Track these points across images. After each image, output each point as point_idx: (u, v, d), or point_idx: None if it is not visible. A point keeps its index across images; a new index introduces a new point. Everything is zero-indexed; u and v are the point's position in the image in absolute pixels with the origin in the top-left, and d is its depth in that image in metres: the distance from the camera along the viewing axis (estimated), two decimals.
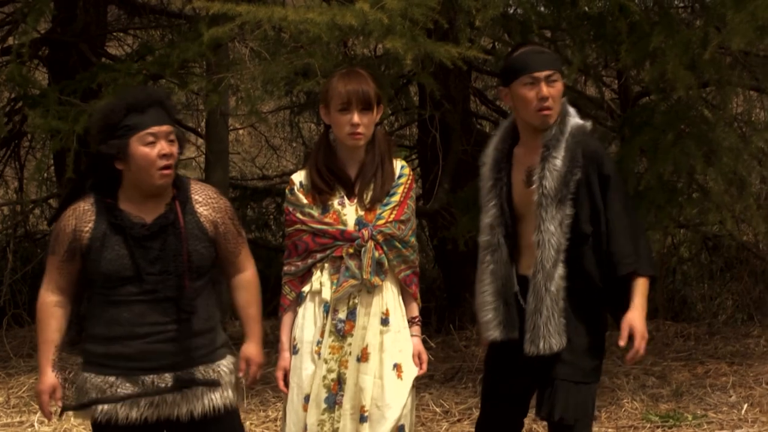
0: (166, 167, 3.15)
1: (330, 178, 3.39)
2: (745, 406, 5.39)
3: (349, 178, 3.40)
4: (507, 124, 3.53)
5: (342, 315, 3.36)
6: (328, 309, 3.37)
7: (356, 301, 3.36)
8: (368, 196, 3.38)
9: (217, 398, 3.24)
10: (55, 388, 3.23)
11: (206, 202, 3.29)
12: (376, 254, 3.35)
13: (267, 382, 5.39)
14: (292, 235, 3.43)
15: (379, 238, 3.35)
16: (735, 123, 6.34)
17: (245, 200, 8.70)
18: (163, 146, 3.14)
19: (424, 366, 3.44)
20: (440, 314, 7.28)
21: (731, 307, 7.65)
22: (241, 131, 10.62)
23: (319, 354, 3.36)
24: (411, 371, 3.39)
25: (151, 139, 3.13)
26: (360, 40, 5.48)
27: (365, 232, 3.34)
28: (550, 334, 3.33)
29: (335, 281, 3.36)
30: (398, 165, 3.46)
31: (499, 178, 3.46)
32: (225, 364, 3.30)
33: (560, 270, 3.34)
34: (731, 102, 6.49)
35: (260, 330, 3.42)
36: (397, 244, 3.38)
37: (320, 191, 3.39)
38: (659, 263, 7.69)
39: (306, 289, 3.41)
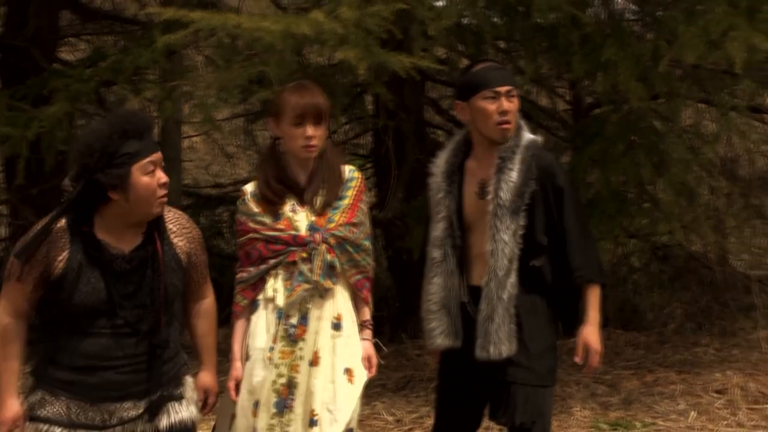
0: (163, 196, 3.03)
1: (279, 189, 3.41)
2: (693, 413, 5.45)
3: (299, 186, 3.44)
4: (459, 138, 3.59)
5: (294, 320, 3.38)
6: (281, 315, 3.38)
7: (309, 306, 3.38)
8: (318, 201, 3.42)
9: (182, 410, 3.18)
10: (17, 420, 3.04)
11: (180, 232, 3.18)
12: (328, 257, 3.38)
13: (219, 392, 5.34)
14: (244, 245, 3.44)
15: (332, 241, 3.39)
16: (685, 135, 6.43)
17: (198, 208, 8.62)
18: (160, 174, 3.01)
19: (374, 370, 3.48)
20: (393, 323, 7.29)
21: (681, 316, 7.72)
22: (195, 139, 10.55)
23: (271, 360, 3.37)
24: (362, 375, 3.42)
25: (151, 168, 2.99)
26: (315, 49, 5.48)
27: (317, 236, 3.38)
28: (500, 341, 3.38)
29: (288, 287, 3.37)
30: (347, 169, 3.51)
31: (450, 190, 3.53)
32: (189, 381, 3.24)
33: (512, 278, 3.40)
34: (681, 114, 6.59)
35: (216, 359, 3.38)
36: (349, 248, 3.42)
37: (271, 202, 3.41)
38: (610, 273, 7.78)
39: (260, 296, 3.41)
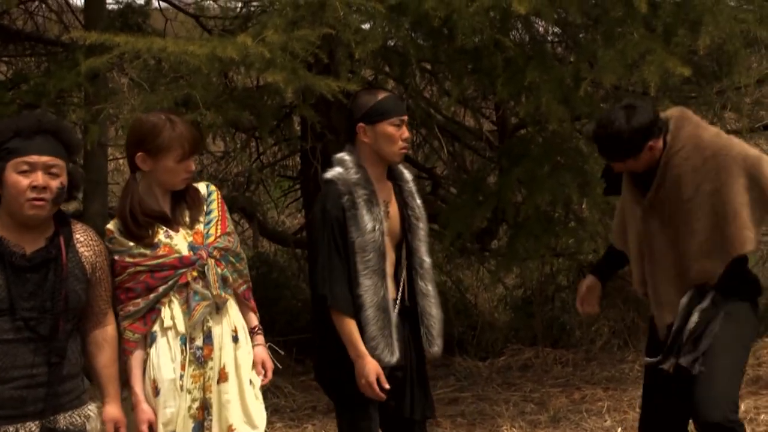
0: (37, 199, 2.99)
1: (147, 221, 3.37)
2: (619, 429, 5.54)
3: (165, 213, 3.42)
4: (356, 160, 3.72)
5: (199, 342, 3.37)
6: (185, 340, 3.36)
7: (209, 324, 3.39)
8: (189, 221, 3.44)
9: None
10: None
11: (88, 243, 3.17)
12: (219, 270, 3.41)
13: None
14: (124, 282, 3.34)
15: (216, 254, 3.42)
16: None
17: None
18: (37, 177, 2.98)
19: (269, 374, 3.55)
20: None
21: (607, 334, 7.84)
22: (120, 161, 10.44)
23: (182, 387, 3.35)
24: (257, 383, 3.49)
25: (25, 167, 2.98)
26: (241, 71, 5.48)
27: (203, 252, 3.40)
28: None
29: (186, 310, 3.36)
30: (201, 186, 3.57)
31: (378, 210, 3.67)
32: (91, 410, 3.18)
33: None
34: None
35: (119, 389, 3.31)
36: (232, 258, 3.47)
37: (139, 237, 3.35)
38: (538, 290, 7.88)
39: (155, 327, 3.36)
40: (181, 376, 3.35)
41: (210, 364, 3.38)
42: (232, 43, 4.82)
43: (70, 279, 3.07)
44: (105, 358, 3.25)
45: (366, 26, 5.38)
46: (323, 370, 3.79)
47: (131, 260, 3.34)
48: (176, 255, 3.37)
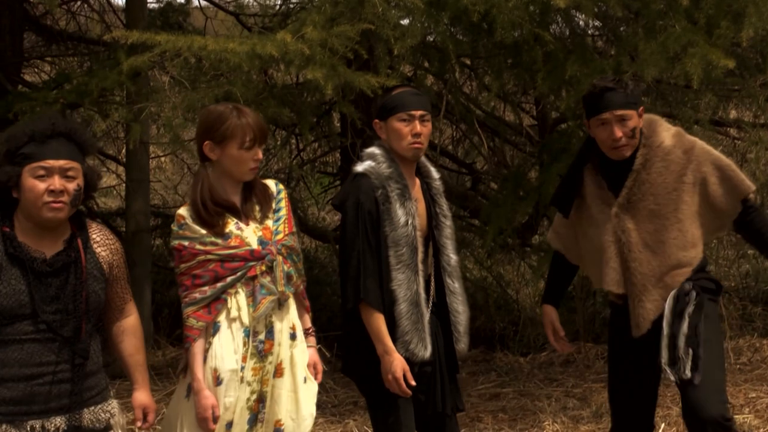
0: (55, 202, 3.01)
1: (217, 210, 3.42)
2: (663, 425, 5.49)
3: (235, 205, 3.47)
4: (389, 156, 3.72)
5: (261, 336, 3.43)
6: (248, 332, 3.40)
7: (272, 319, 3.45)
8: (259, 216, 3.49)
9: None
10: None
11: (104, 242, 3.20)
12: (285, 267, 3.46)
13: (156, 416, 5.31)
14: (192, 268, 3.40)
15: (284, 251, 3.47)
16: None
17: (167, 228, 8.58)
18: (54, 182, 3.01)
19: (319, 377, 3.61)
20: None
21: None
22: (162, 159, 10.53)
23: (243, 379, 3.40)
24: (311, 381, 3.55)
25: (42, 172, 3.01)
26: (280, 68, 5.50)
27: (272, 248, 3.44)
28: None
29: (251, 303, 3.40)
30: (270, 183, 3.61)
31: (410, 204, 3.69)
32: (114, 406, 3.22)
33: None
34: None
35: (147, 376, 3.37)
36: (294, 257, 3.53)
37: (210, 224, 3.40)
38: (580, 285, 7.83)
39: (221, 318, 3.40)
40: (242, 368, 3.40)
41: (269, 358, 3.44)
42: (271, 40, 4.84)
43: (90, 280, 3.10)
44: (130, 347, 3.31)
45: (405, 22, 5.38)
46: (354, 365, 3.79)
47: (202, 248, 3.39)
48: (247, 247, 3.42)
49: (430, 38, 5.85)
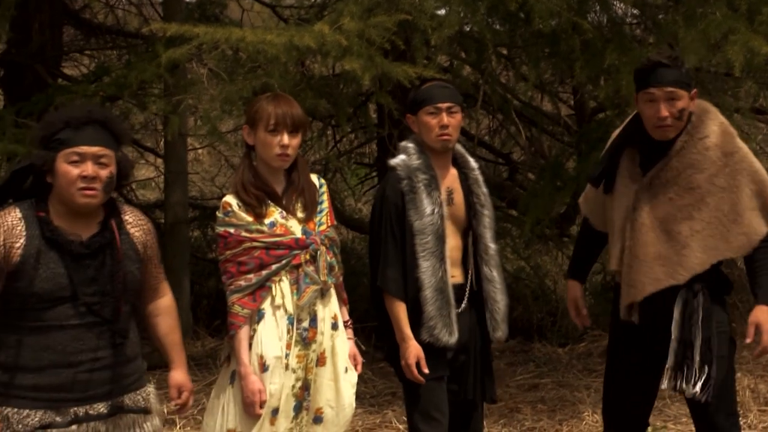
0: (88, 188, 3.04)
1: (259, 195, 3.48)
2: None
3: (278, 194, 3.51)
4: (419, 148, 3.79)
5: (305, 323, 3.47)
6: (292, 320, 3.44)
7: (315, 307, 3.49)
8: (302, 207, 3.53)
9: (148, 426, 3.20)
10: None
11: (136, 223, 3.24)
12: (328, 258, 3.52)
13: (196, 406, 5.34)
14: (238, 255, 3.45)
15: (327, 242, 3.53)
16: None
17: (205, 220, 8.64)
18: (87, 168, 3.04)
19: (359, 368, 3.66)
20: None
21: None
22: (200, 151, 10.60)
23: (287, 366, 3.43)
24: (352, 371, 3.60)
25: (75, 158, 3.04)
26: (318, 59, 5.51)
27: (316, 238, 3.50)
28: None
29: (295, 291, 3.44)
30: (313, 176, 3.65)
31: (437, 194, 3.73)
32: (152, 391, 3.26)
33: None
34: None
35: (185, 356, 3.40)
36: (335, 249, 3.59)
37: (256, 211, 3.46)
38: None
39: (265, 305, 3.44)
40: (287, 355, 3.43)
41: (313, 346, 3.49)
42: (309, 31, 4.85)
43: (126, 261, 3.13)
44: (165, 326, 3.35)
45: (442, 12, 5.36)
46: (387, 352, 3.86)
47: (248, 235, 3.44)
48: (292, 236, 3.47)
49: (467, 28, 5.82)
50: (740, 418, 5.33)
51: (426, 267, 3.68)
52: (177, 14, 6.66)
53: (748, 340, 3.63)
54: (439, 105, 3.74)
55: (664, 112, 3.57)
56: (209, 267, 8.11)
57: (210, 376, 6.01)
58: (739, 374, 6.03)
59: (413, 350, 3.68)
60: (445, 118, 3.73)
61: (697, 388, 3.57)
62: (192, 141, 8.48)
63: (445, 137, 3.75)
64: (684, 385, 3.60)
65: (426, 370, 3.69)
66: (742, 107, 6.20)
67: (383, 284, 3.70)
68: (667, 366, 3.62)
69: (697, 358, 3.58)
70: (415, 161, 3.75)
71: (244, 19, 8.24)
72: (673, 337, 3.61)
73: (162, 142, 6.81)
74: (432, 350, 3.71)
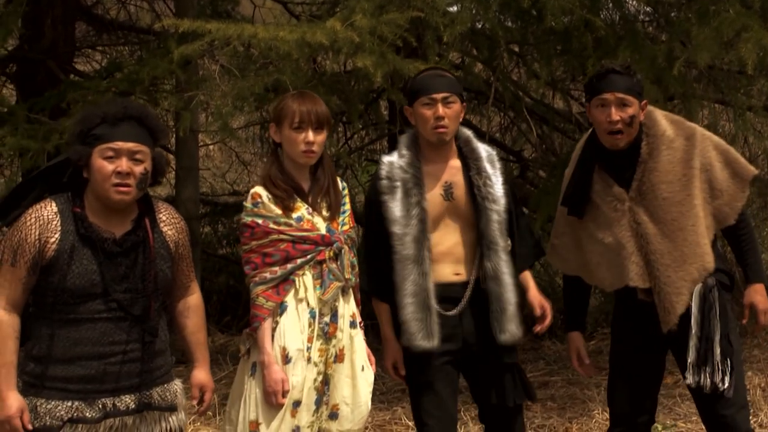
0: (122, 185, 3.06)
1: (287, 189, 3.49)
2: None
3: (304, 190, 3.54)
4: (409, 143, 3.70)
5: (327, 318, 3.49)
6: (314, 314, 3.46)
7: (337, 303, 3.52)
8: (327, 206, 3.55)
9: (173, 421, 3.22)
10: (23, 410, 3.03)
11: (170, 221, 3.25)
12: (350, 257, 3.55)
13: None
14: (264, 246, 3.46)
15: (349, 242, 3.55)
16: None
17: (216, 216, 8.67)
18: (122, 164, 3.05)
19: (374, 367, 3.67)
20: None
21: None
22: (211, 147, 10.60)
23: (309, 359, 3.45)
24: (369, 370, 3.62)
25: (110, 153, 3.05)
26: (329, 56, 5.51)
27: (341, 236, 3.52)
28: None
29: (318, 286, 3.46)
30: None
31: (418, 193, 3.63)
32: (178, 385, 3.28)
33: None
34: (697, 115, 6.57)
35: (208, 355, 3.42)
36: (354, 250, 3.60)
37: (285, 204, 3.48)
38: None
39: (288, 298, 3.45)
40: (308, 348, 3.45)
41: (333, 341, 3.50)
42: (321, 28, 4.85)
43: (158, 260, 3.15)
44: (192, 325, 3.36)
45: (454, 9, 5.37)
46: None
47: (275, 227, 3.46)
48: (318, 232, 3.48)
49: (479, 25, 5.82)
50: (751, 417, 5.33)
51: (399, 270, 3.60)
52: (189, 10, 6.66)
53: (743, 321, 3.72)
54: (434, 95, 3.60)
55: (616, 116, 3.58)
56: (220, 263, 8.13)
57: (219, 372, 6.03)
58: (749, 373, 6.03)
59: (390, 352, 3.72)
60: (441, 109, 3.60)
61: (726, 382, 3.58)
62: (203, 137, 8.49)
63: (441, 129, 3.61)
64: (709, 380, 3.60)
65: (402, 372, 3.71)
66: (754, 105, 6.20)
67: (365, 285, 3.67)
68: (689, 361, 3.62)
69: (717, 351, 3.59)
70: (398, 159, 3.67)
71: (255, 15, 8.25)
72: (692, 332, 3.62)
73: (173, 138, 6.80)
74: (416, 354, 3.63)
